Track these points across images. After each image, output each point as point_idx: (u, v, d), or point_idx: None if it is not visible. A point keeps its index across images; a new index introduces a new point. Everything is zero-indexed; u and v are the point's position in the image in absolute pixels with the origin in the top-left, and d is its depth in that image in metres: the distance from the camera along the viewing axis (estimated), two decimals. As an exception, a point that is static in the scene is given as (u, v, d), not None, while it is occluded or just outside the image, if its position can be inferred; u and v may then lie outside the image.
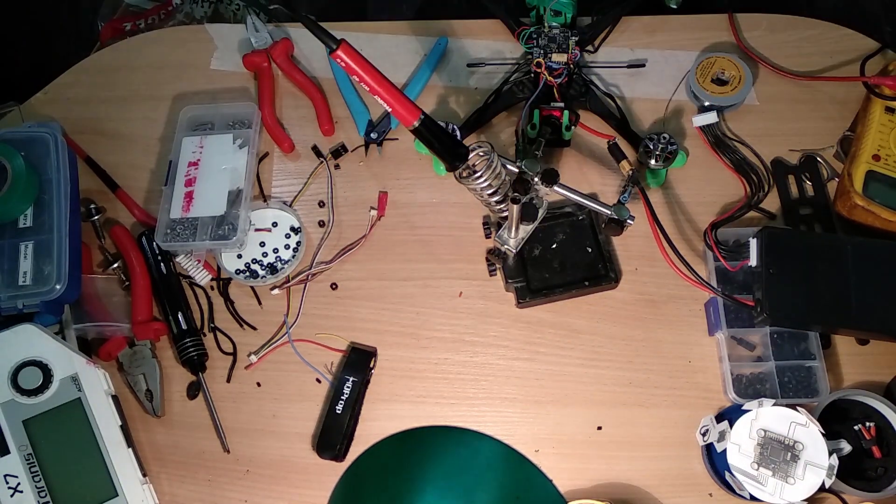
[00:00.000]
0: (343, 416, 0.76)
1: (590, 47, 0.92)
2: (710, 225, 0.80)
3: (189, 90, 0.93)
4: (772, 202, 0.84)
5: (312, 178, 0.88)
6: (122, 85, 0.94)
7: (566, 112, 0.84)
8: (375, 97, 0.64)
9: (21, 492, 0.70)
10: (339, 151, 0.89)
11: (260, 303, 0.83)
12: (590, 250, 0.81)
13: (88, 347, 0.80)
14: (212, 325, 0.82)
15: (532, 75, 0.87)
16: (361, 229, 0.85)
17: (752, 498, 0.68)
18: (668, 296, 0.81)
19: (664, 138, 0.82)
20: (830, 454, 0.67)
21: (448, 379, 0.79)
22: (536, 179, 0.72)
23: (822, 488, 0.68)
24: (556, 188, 0.74)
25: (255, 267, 0.83)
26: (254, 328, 0.82)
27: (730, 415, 0.73)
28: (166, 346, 0.81)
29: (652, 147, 0.82)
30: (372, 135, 0.89)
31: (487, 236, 0.84)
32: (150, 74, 0.95)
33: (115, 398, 0.75)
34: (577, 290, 0.80)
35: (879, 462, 0.71)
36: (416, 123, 0.65)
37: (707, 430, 0.72)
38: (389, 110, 0.65)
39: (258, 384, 0.80)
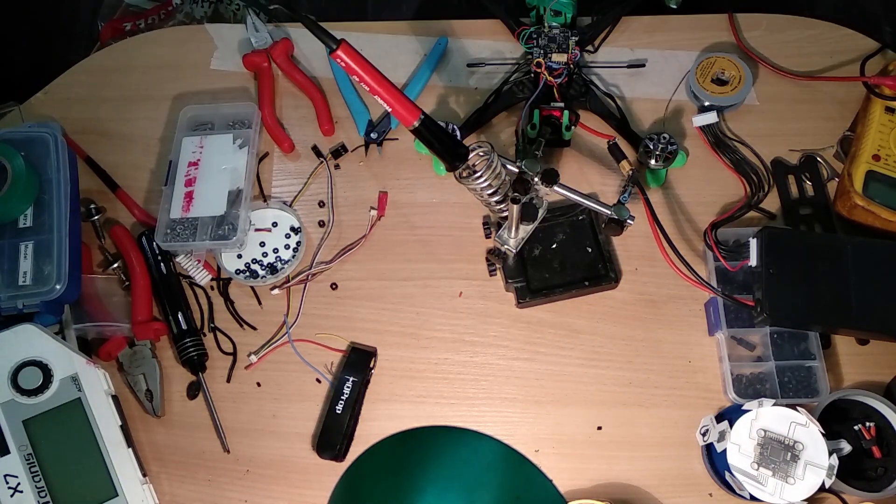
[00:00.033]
0: (343, 416, 0.76)
1: (590, 47, 0.92)
2: (710, 225, 0.80)
3: (189, 90, 0.93)
4: (772, 202, 0.84)
5: (312, 178, 0.88)
6: (122, 85, 0.94)
7: (566, 112, 0.84)
8: (375, 97, 0.64)
9: (21, 492, 0.70)
10: (339, 151, 0.89)
11: (260, 303, 0.83)
12: (590, 250, 0.81)
13: (88, 347, 0.80)
14: (212, 325, 0.82)
15: (532, 75, 0.87)
16: (361, 229, 0.85)
17: (752, 498, 0.68)
18: (668, 296, 0.81)
19: (664, 138, 0.82)
20: (830, 454, 0.67)
21: (448, 379, 0.79)
22: (536, 179, 0.72)
23: (822, 488, 0.68)
24: (556, 188, 0.74)
25: (255, 267, 0.83)
26: (254, 328, 0.82)
27: (730, 415, 0.73)
28: (166, 346, 0.82)
29: (652, 147, 0.82)
30: (372, 135, 0.89)
31: (487, 236, 0.84)
32: (150, 74, 0.95)
33: (115, 398, 0.75)
34: (577, 290, 0.80)
35: (879, 462, 0.71)
36: (416, 123, 0.65)
37: (707, 430, 0.72)
38: (389, 110, 0.65)
39: (258, 384, 0.80)
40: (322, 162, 0.89)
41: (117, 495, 0.71)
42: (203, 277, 0.83)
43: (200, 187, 0.84)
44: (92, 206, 0.86)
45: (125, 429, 0.74)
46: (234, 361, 0.81)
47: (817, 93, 0.89)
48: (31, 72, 1.57)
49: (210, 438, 0.78)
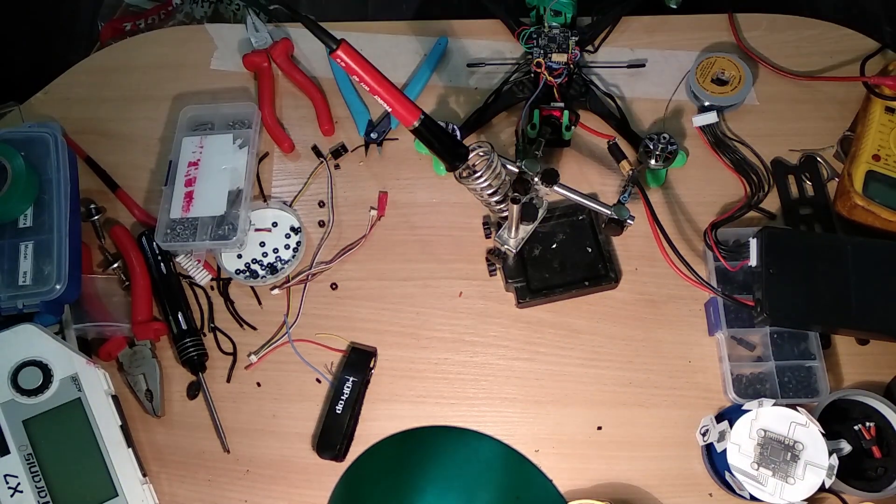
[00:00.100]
0: (343, 416, 0.76)
1: (590, 47, 0.92)
2: (710, 225, 0.80)
3: (189, 90, 0.93)
4: (772, 202, 0.84)
5: (312, 178, 0.88)
6: (122, 85, 0.94)
7: (566, 112, 0.84)
8: (375, 97, 0.64)
9: (21, 492, 0.70)
10: (339, 151, 0.89)
11: (260, 303, 0.83)
12: (590, 250, 0.81)
13: (88, 347, 0.80)
14: (212, 325, 0.82)
15: (532, 75, 0.87)
16: (361, 229, 0.85)
17: (752, 498, 0.68)
18: (668, 296, 0.81)
19: (664, 138, 0.82)
20: (830, 454, 0.67)
21: (448, 379, 0.79)
22: (536, 179, 0.72)
23: (822, 488, 0.68)
24: (556, 188, 0.74)
25: (255, 267, 0.83)
26: (254, 328, 0.82)
27: (730, 415, 0.73)
28: (166, 346, 0.81)
29: (652, 147, 0.82)
30: (372, 135, 0.89)
31: (487, 236, 0.84)
32: (150, 74, 0.95)
33: (115, 398, 0.75)
34: (577, 290, 0.80)
35: (879, 462, 0.71)
36: (416, 123, 0.65)
37: (707, 430, 0.72)
38: (389, 110, 0.65)
39: (258, 384, 0.80)
40: (322, 162, 0.89)
41: (117, 495, 0.71)
42: (203, 277, 0.83)
43: (200, 187, 0.84)
44: (92, 206, 0.86)
45: (125, 429, 0.74)
46: (234, 361, 0.81)
47: (817, 93, 0.89)
48: (31, 72, 1.58)
49: (210, 438, 0.78)
